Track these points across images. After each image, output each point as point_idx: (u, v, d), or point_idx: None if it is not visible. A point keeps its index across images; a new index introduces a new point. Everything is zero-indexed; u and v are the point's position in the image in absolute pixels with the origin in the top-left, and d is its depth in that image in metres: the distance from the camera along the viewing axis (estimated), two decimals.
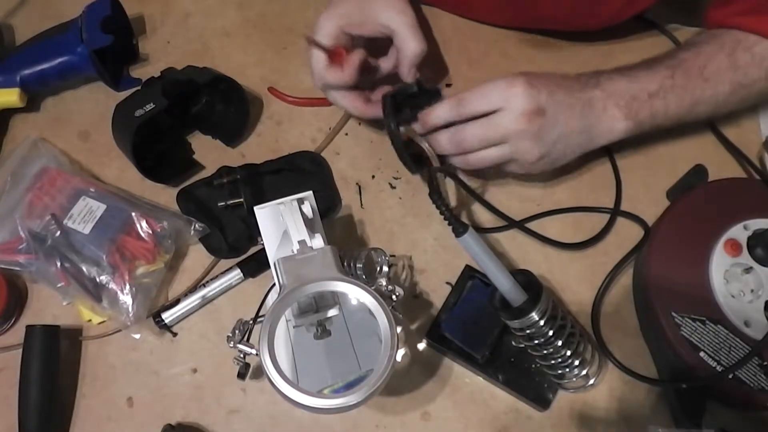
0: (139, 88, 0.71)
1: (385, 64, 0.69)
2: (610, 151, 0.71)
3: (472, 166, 0.63)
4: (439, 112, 0.61)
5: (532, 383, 0.60)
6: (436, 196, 0.54)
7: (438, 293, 0.65)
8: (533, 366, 0.60)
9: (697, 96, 0.64)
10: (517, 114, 0.58)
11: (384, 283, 0.53)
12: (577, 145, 0.63)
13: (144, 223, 0.64)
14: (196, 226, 0.65)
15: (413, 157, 0.65)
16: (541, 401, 0.59)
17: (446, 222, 0.54)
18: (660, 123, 0.64)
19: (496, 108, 0.59)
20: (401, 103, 0.64)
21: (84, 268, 0.61)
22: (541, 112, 0.58)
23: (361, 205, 0.69)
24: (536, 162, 0.61)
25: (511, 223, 0.67)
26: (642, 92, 0.62)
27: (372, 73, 0.69)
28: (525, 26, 0.78)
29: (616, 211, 0.68)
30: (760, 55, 0.63)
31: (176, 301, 0.64)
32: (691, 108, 0.64)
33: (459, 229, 0.53)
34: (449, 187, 0.70)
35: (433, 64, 0.76)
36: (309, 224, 0.52)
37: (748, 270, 0.59)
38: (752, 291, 0.58)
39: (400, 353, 0.62)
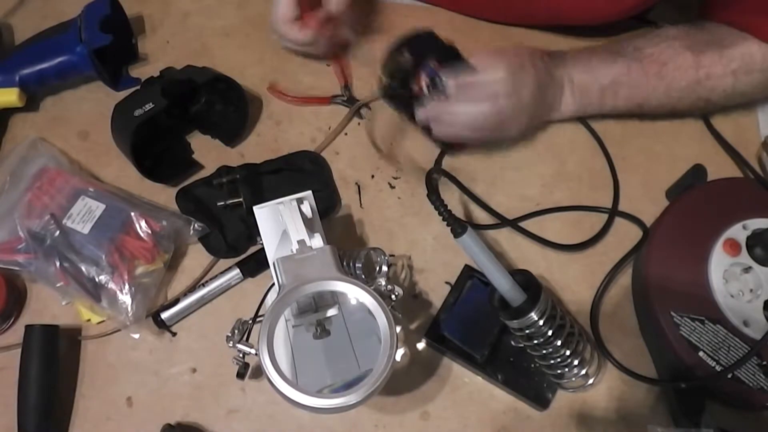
0: (138, 87, 0.71)
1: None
2: (606, 152, 0.71)
3: (445, 128, 0.65)
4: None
5: (531, 383, 0.60)
6: (435, 197, 0.54)
7: (437, 293, 0.65)
8: (532, 366, 0.60)
9: (649, 93, 0.66)
10: (503, 94, 0.62)
11: (383, 283, 0.53)
12: (529, 110, 0.66)
13: (143, 223, 0.64)
14: (196, 225, 0.65)
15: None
16: (541, 401, 0.59)
17: (445, 223, 0.54)
18: (607, 112, 0.70)
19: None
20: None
21: (83, 268, 0.61)
22: (510, 68, 0.62)
23: (361, 204, 0.69)
24: (489, 120, 0.64)
25: (505, 222, 0.67)
26: (594, 84, 0.67)
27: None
28: (527, 22, 0.78)
29: (614, 212, 0.68)
30: (729, 56, 0.64)
31: (175, 301, 0.64)
32: (642, 103, 0.68)
33: (458, 230, 0.53)
34: (449, 188, 0.69)
35: None
36: (308, 224, 0.52)
37: (747, 270, 0.59)
38: (751, 291, 0.58)
39: (400, 353, 0.62)
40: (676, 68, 0.65)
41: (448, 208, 0.54)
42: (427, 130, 0.67)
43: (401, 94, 0.65)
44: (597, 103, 0.68)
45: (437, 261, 0.66)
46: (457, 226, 0.53)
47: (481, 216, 0.69)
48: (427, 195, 0.54)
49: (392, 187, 0.70)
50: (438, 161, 0.71)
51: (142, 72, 0.76)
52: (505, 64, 0.62)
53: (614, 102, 0.67)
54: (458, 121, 0.64)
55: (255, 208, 0.56)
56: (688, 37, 0.66)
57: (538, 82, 0.64)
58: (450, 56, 0.64)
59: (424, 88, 0.63)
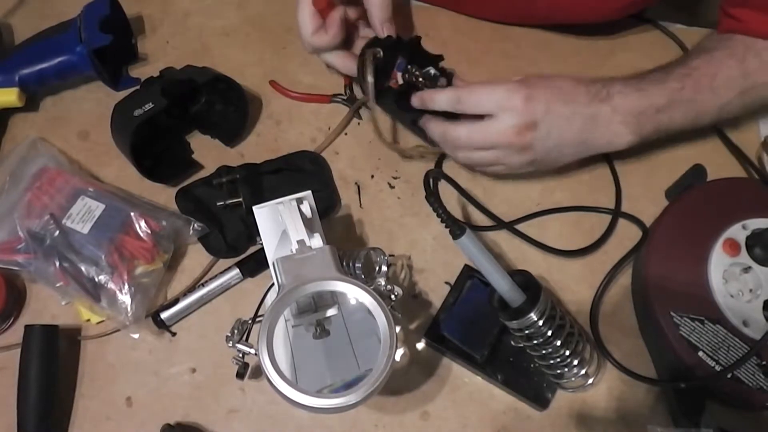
0: (138, 87, 0.71)
1: (365, 20, 0.69)
2: (608, 155, 0.71)
3: (459, 161, 0.64)
4: (437, 100, 0.61)
5: (531, 383, 0.60)
6: (433, 198, 0.54)
7: (437, 293, 0.65)
8: (532, 366, 0.60)
9: (705, 108, 0.64)
10: (507, 127, 0.59)
11: (383, 283, 0.53)
12: (570, 154, 0.64)
13: (143, 223, 0.64)
14: (195, 225, 0.65)
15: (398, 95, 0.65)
16: (540, 401, 0.59)
17: (444, 224, 0.54)
18: (662, 134, 0.65)
19: (490, 114, 0.59)
20: (390, 58, 0.64)
21: (83, 268, 0.61)
22: (532, 126, 0.59)
23: (360, 204, 0.69)
24: (522, 168, 0.63)
25: (503, 224, 0.67)
26: (650, 108, 0.62)
27: (355, 31, 0.70)
28: (528, 21, 0.78)
29: (617, 213, 0.68)
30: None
31: (175, 301, 0.64)
32: (696, 118, 0.64)
33: (456, 232, 0.53)
34: (448, 188, 0.69)
35: None
36: (308, 224, 0.52)
37: (746, 269, 0.59)
38: (751, 291, 0.58)
39: (399, 353, 0.62)
40: (726, 79, 0.63)
41: (447, 209, 0.53)
42: (417, 128, 0.66)
43: (386, 90, 0.65)
44: (654, 127, 0.63)
45: (437, 261, 0.66)
46: (456, 227, 0.53)
47: (480, 217, 0.69)
48: (426, 197, 0.54)
49: (392, 187, 0.70)
50: (438, 163, 0.70)
51: (142, 72, 0.76)
52: (526, 107, 0.58)
53: (670, 122, 0.64)
54: (476, 163, 0.63)
55: (255, 208, 0.56)
56: (724, 48, 0.64)
57: (579, 116, 0.60)
58: (423, 58, 0.65)
59: (400, 80, 0.64)
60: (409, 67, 0.64)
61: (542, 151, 0.61)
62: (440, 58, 0.66)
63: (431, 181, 0.56)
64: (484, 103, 0.59)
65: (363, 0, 0.66)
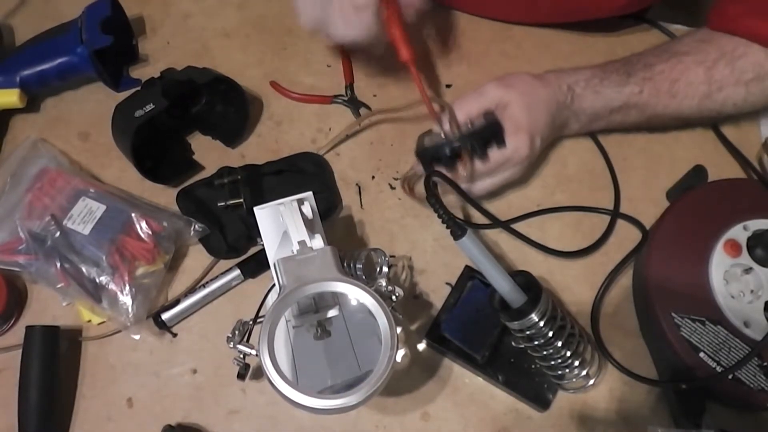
0: (138, 88, 0.71)
1: None
2: (606, 154, 0.71)
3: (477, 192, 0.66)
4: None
5: (531, 384, 0.60)
6: (434, 200, 0.54)
7: (438, 294, 0.65)
8: (533, 366, 0.60)
9: (659, 111, 0.66)
10: (523, 164, 0.64)
11: (384, 284, 0.53)
12: (544, 146, 0.68)
13: (144, 224, 0.64)
14: (196, 226, 0.65)
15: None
16: (541, 402, 0.59)
17: (444, 225, 0.54)
18: (613, 129, 0.70)
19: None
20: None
21: (84, 269, 0.61)
22: (534, 148, 0.64)
23: (361, 205, 0.69)
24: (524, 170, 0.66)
25: (503, 224, 0.67)
26: (604, 109, 0.66)
27: None
28: (530, 18, 0.78)
29: (615, 214, 0.68)
30: (741, 68, 0.64)
31: (176, 302, 0.64)
32: (650, 119, 0.68)
33: (457, 233, 0.53)
34: (449, 189, 0.69)
35: (433, 64, 0.77)
36: (309, 225, 0.52)
37: (747, 270, 0.59)
38: (752, 291, 0.58)
39: (400, 354, 0.62)
40: (687, 84, 0.64)
41: (448, 210, 0.53)
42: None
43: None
44: (605, 124, 0.69)
45: (438, 262, 0.66)
46: (457, 228, 0.53)
47: (481, 217, 0.69)
48: (426, 198, 0.54)
49: (393, 188, 0.70)
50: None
51: (142, 73, 0.76)
52: (529, 134, 0.62)
53: (623, 120, 0.68)
54: (492, 186, 0.66)
55: (255, 209, 0.56)
56: (698, 52, 0.65)
57: (552, 114, 0.64)
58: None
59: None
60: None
61: (536, 154, 0.65)
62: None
63: (432, 182, 0.56)
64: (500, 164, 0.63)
65: None
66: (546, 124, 0.64)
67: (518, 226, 0.67)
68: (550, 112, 0.64)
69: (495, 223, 0.67)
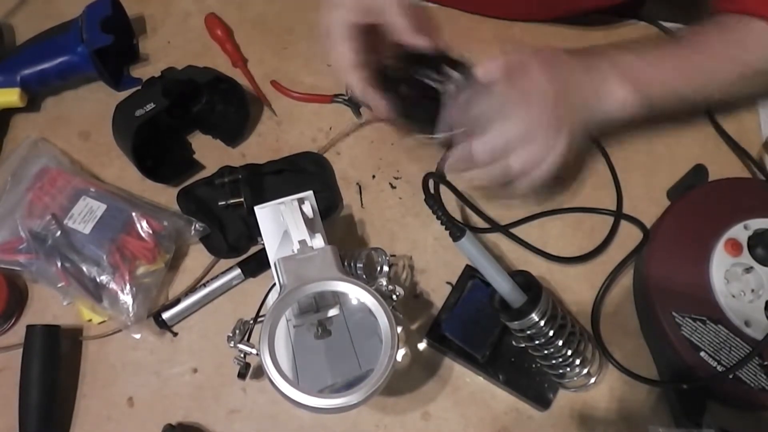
0: (139, 87, 0.71)
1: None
2: (607, 156, 0.71)
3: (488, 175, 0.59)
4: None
5: (532, 383, 0.60)
6: (433, 201, 0.54)
7: (438, 293, 0.65)
8: (534, 366, 0.60)
9: (707, 69, 0.63)
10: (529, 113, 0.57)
11: (384, 283, 0.53)
12: (574, 109, 0.59)
13: (144, 223, 0.64)
14: (197, 226, 0.65)
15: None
16: (542, 401, 0.59)
17: (443, 226, 0.54)
18: (666, 98, 0.63)
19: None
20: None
21: (84, 268, 0.61)
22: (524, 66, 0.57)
23: (362, 204, 0.69)
24: (557, 146, 0.57)
25: (499, 228, 0.67)
26: (647, 67, 0.61)
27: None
28: (531, 12, 0.77)
29: (618, 216, 0.68)
30: (765, 38, 0.62)
31: (176, 301, 0.64)
32: (702, 83, 0.63)
33: (456, 234, 0.53)
34: (448, 190, 0.69)
35: None
36: (309, 224, 0.52)
37: (748, 270, 0.59)
38: (753, 291, 0.58)
39: (401, 353, 0.62)
40: (723, 47, 0.62)
41: (447, 211, 0.53)
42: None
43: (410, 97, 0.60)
44: (659, 90, 0.61)
45: (438, 261, 0.66)
46: (456, 229, 0.53)
47: (480, 220, 0.68)
48: (425, 199, 0.54)
49: (393, 187, 0.70)
50: (438, 165, 0.70)
51: (143, 72, 0.76)
52: (506, 68, 0.57)
53: (676, 85, 0.62)
54: (497, 149, 0.57)
55: (256, 208, 0.56)
56: (718, 24, 0.64)
57: (572, 71, 0.58)
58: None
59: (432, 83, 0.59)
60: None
61: (568, 112, 0.57)
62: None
63: (430, 183, 0.56)
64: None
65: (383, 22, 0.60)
66: (552, 62, 0.58)
67: (519, 227, 0.67)
68: (556, 56, 0.59)
69: (494, 227, 0.67)
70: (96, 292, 0.61)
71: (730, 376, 0.56)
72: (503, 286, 0.54)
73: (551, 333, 0.54)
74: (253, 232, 0.66)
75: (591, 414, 0.60)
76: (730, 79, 0.64)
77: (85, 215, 0.64)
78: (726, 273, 0.59)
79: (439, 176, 0.64)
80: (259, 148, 0.72)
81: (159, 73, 0.70)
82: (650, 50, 0.62)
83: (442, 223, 0.53)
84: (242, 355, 0.52)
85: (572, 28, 0.78)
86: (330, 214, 0.68)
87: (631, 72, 0.60)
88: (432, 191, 0.54)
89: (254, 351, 0.50)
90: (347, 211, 0.69)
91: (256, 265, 0.65)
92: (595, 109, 0.61)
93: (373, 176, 0.71)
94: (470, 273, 0.63)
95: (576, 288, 0.65)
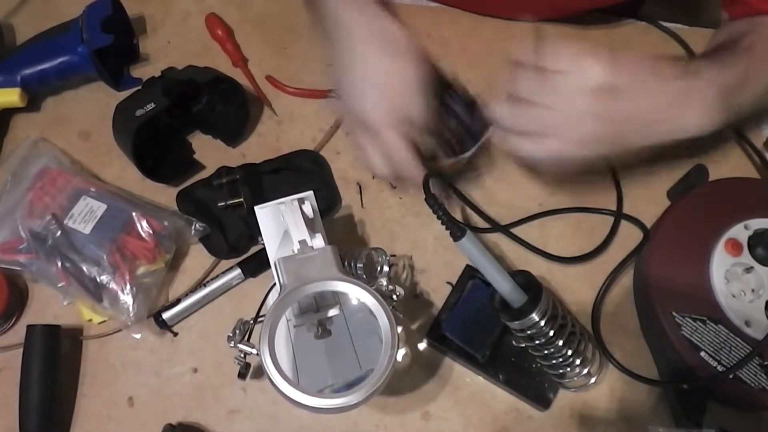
0: (139, 87, 0.71)
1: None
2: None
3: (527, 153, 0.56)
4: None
5: (532, 383, 0.60)
6: (433, 201, 0.54)
7: (438, 293, 0.65)
8: (534, 365, 0.60)
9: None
10: (585, 87, 0.52)
11: (384, 283, 0.53)
12: (646, 136, 0.56)
13: (144, 223, 0.64)
14: (197, 226, 0.65)
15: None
16: (542, 401, 0.59)
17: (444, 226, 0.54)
18: (745, 110, 0.60)
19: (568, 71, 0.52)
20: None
21: (84, 268, 0.61)
22: (613, 92, 0.52)
23: (362, 204, 0.69)
24: (585, 146, 0.54)
25: (499, 228, 0.67)
26: (735, 80, 0.57)
27: None
28: (533, 10, 0.77)
29: (618, 216, 0.68)
30: None
31: (177, 301, 0.64)
32: (762, 96, 0.61)
33: (457, 234, 0.53)
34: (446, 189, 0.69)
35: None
36: (309, 224, 0.52)
37: (748, 270, 0.59)
38: (753, 291, 0.58)
39: (401, 353, 0.62)
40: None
41: (447, 211, 0.53)
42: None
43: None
44: (737, 105, 0.58)
45: (438, 261, 0.66)
46: (456, 229, 0.53)
47: (481, 220, 0.68)
48: (425, 199, 0.54)
49: (393, 187, 0.70)
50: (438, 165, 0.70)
51: (143, 72, 0.76)
52: (609, 70, 0.52)
53: (746, 100, 0.59)
54: (557, 126, 0.53)
55: (256, 208, 0.56)
56: (752, 28, 0.62)
57: (668, 90, 0.54)
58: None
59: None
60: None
61: (619, 123, 0.53)
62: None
63: (430, 183, 0.56)
64: (563, 58, 0.52)
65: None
66: (651, 80, 0.53)
67: (519, 227, 0.67)
68: (661, 73, 0.54)
69: (495, 227, 0.67)
70: (96, 292, 0.61)
71: (731, 376, 0.56)
72: (503, 285, 0.54)
73: (551, 333, 0.54)
74: (253, 232, 0.66)
75: (591, 414, 0.60)
76: None
77: (86, 215, 0.64)
78: (726, 273, 0.59)
79: (438, 176, 0.64)
80: (259, 148, 0.72)
81: (159, 73, 0.70)
82: (740, 66, 0.58)
83: (442, 223, 0.53)
84: (242, 355, 0.52)
85: (572, 27, 0.78)
86: (329, 213, 0.68)
87: (729, 98, 0.57)
88: (432, 191, 0.54)
89: (254, 351, 0.50)
90: (347, 210, 0.69)
91: (256, 265, 0.65)
92: (665, 135, 0.57)
93: (373, 176, 0.71)
94: (470, 273, 0.63)
95: (576, 288, 0.65)
